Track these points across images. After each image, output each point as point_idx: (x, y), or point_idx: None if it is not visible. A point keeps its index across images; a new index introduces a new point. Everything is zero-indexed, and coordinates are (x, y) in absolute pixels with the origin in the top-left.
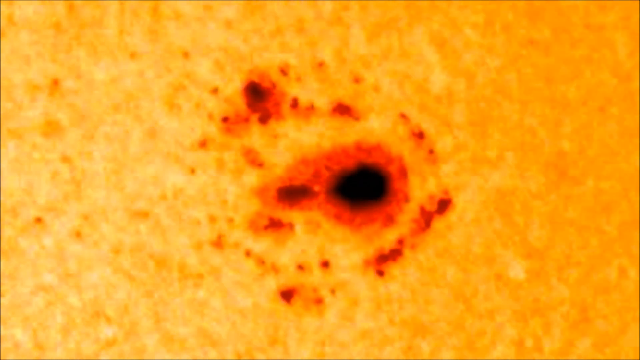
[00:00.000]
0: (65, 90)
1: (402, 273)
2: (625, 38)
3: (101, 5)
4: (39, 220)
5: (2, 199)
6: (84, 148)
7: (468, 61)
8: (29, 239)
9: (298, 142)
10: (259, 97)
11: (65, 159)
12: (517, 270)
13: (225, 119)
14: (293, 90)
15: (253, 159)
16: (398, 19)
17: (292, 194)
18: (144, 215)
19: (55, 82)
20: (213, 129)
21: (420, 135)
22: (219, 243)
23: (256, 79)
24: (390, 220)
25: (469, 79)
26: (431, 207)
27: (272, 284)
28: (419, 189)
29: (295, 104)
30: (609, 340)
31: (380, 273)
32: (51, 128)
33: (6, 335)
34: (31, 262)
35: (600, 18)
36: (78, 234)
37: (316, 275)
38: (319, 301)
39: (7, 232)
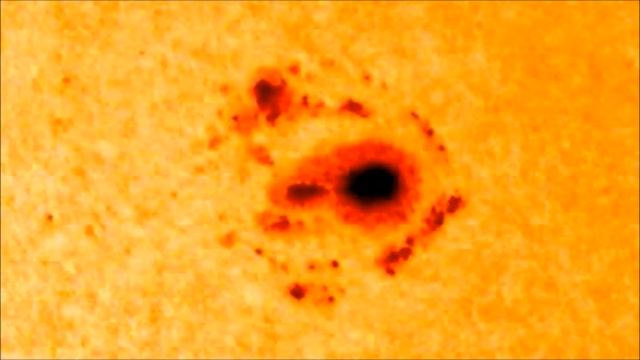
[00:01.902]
0: (75, 87)
1: (413, 272)
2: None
3: (111, 4)
4: (49, 217)
5: (12, 196)
6: (95, 146)
7: (477, 59)
8: (40, 237)
9: (308, 140)
10: (269, 95)
11: (76, 157)
12: (530, 268)
13: (235, 118)
14: (303, 88)
15: (263, 158)
16: (407, 18)
17: (302, 192)
18: (153, 213)
19: (66, 80)
20: (223, 128)
21: (430, 133)
22: (229, 241)
23: (266, 78)
24: (400, 219)
25: (478, 76)
26: (442, 205)
27: (283, 282)
28: (430, 187)
29: (305, 102)
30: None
31: (391, 272)
32: (61, 125)
33: (11, 332)
34: (41, 259)
35: (608, 23)
36: (89, 232)
37: (326, 274)
38: (330, 299)
39: (18, 229)
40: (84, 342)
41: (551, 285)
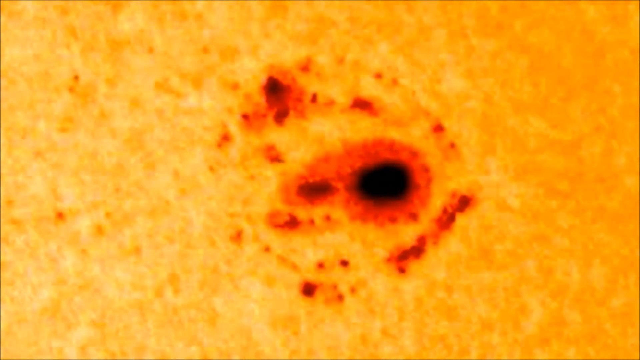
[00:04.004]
0: (85, 86)
1: (424, 270)
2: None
3: (120, 3)
4: (60, 216)
5: (23, 194)
6: (105, 144)
7: (488, 57)
8: (50, 235)
9: (318, 138)
10: (279, 93)
11: (86, 155)
12: (540, 267)
13: (245, 116)
14: (313, 86)
15: (273, 156)
16: (418, 16)
17: (312, 190)
18: (163, 211)
19: (76, 78)
20: (233, 125)
21: (441, 131)
22: (238, 239)
23: (276, 75)
24: (412, 217)
25: (489, 74)
26: (454, 203)
27: (292, 280)
28: (441, 185)
29: (314, 99)
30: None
31: (402, 270)
32: (72, 124)
33: (19, 329)
34: (52, 257)
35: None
36: (99, 230)
37: (337, 273)
38: (340, 298)
39: (29, 227)
40: (91, 339)
41: (562, 286)
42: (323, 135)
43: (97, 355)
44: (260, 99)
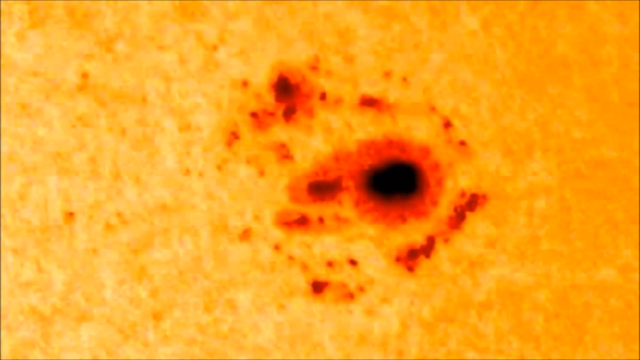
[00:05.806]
0: (94, 83)
1: (434, 269)
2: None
3: (130, 2)
4: (70, 215)
5: (33, 193)
6: (115, 142)
7: (499, 56)
8: (60, 233)
9: (328, 136)
10: (288, 91)
11: (96, 153)
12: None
13: (254, 114)
14: (322, 84)
15: (282, 154)
16: (427, 15)
17: (322, 189)
18: (172, 209)
19: (85, 76)
20: (242, 124)
21: (452, 129)
22: (247, 238)
23: (286, 74)
24: (422, 215)
25: (499, 73)
26: (463, 202)
27: (301, 279)
28: (451, 183)
29: (323, 98)
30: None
31: (411, 269)
32: (81, 122)
33: (24, 327)
34: (61, 256)
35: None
36: (109, 228)
37: (346, 271)
38: (350, 296)
39: (39, 226)
40: (98, 337)
41: (570, 285)
42: (332, 134)
43: (105, 356)
44: (270, 97)
